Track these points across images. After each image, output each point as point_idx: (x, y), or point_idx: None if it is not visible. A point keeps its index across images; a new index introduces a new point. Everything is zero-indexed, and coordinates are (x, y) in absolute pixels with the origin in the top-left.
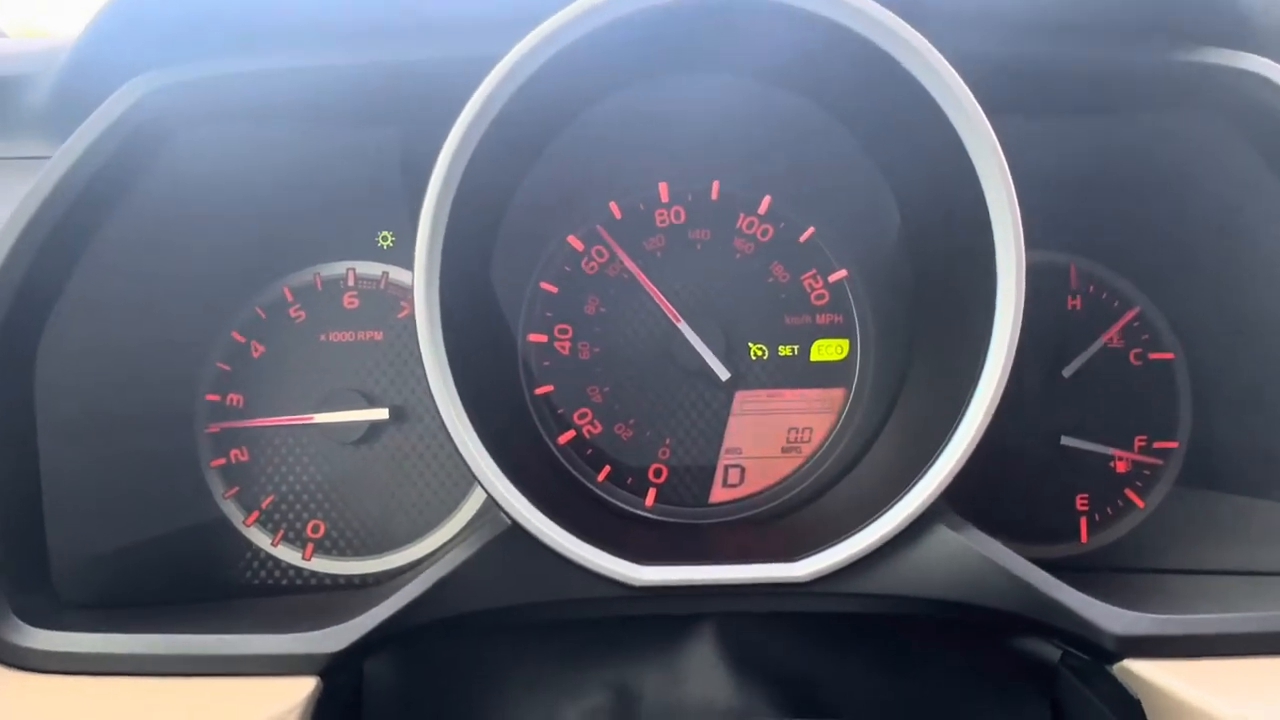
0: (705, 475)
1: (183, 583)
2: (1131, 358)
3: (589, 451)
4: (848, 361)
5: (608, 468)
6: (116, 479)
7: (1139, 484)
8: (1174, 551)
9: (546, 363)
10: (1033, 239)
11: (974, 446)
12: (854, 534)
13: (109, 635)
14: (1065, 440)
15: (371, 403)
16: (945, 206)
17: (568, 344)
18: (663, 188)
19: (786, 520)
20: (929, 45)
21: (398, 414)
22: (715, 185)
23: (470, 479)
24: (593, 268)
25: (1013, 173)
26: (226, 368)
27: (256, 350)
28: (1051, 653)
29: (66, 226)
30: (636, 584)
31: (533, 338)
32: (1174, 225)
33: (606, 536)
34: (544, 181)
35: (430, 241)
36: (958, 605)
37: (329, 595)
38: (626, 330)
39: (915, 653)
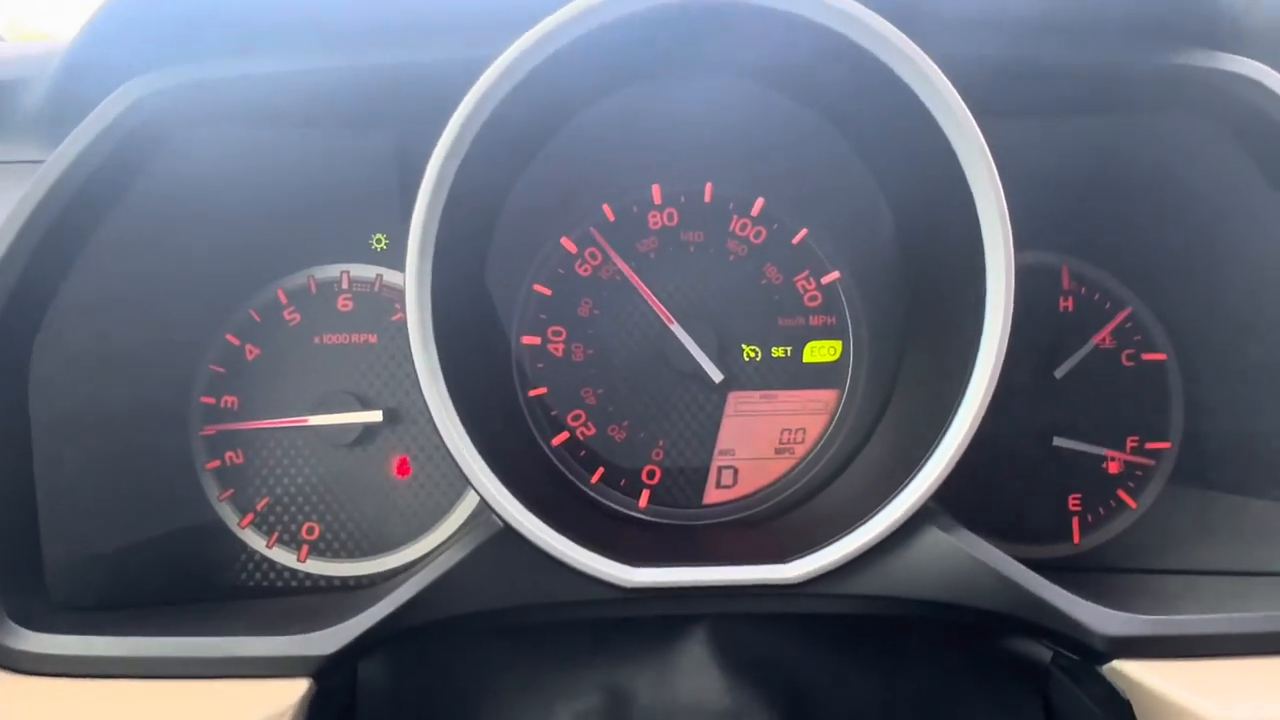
0: (699, 477)
1: (177, 585)
2: (1123, 358)
3: (582, 453)
4: (840, 363)
5: (601, 469)
6: (111, 481)
7: (1131, 484)
8: (1167, 552)
9: (540, 365)
10: (1024, 240)
11: (964, 448)
12: (845, 535)
13: (103, 638)
14: (1058, 441)
15: (366, 405)
16: (936, 209)
17: (561, 346)
18: (656, 190)
19: (779, 521)
20: (919, 50)
21: (392, 416)
22: (708, 187)
23: (464, 481)
24: (586, 270)
25: (1005, 174)
26: (221, 370)
27: (251, 352)
28: (1044, 653)
29: (61, 229)
30: (628, 586)
31: (526, 340)
32: (1166, 227)
33: (599, 538)
34: (537, 184)
35: (422, 244)
36: (948, 606)
37: (323, 597)
38: (620, 332)
39: (908, 653)
